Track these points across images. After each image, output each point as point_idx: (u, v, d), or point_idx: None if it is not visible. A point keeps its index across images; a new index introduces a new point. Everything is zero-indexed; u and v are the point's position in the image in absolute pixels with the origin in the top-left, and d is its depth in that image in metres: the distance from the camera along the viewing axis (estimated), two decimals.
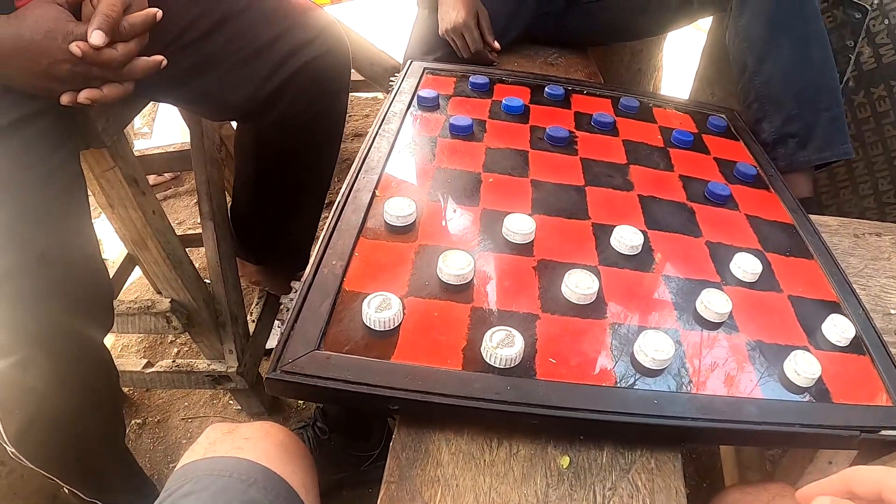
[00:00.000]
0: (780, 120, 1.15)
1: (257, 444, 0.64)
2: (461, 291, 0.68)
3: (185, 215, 2.18)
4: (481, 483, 0.58)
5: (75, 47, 0.76)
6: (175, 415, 1.58)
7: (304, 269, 0.72)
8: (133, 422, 1.53)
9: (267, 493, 0.60)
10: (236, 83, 1.05)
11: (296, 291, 0.66)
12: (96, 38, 0.77)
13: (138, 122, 2.55)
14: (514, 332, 0.61)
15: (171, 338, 1.77)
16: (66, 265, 0.84)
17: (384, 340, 0.62)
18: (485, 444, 0.60)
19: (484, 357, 0.60)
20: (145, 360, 1.39)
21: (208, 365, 1.36)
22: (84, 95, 0.81)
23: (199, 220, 2.03)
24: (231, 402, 1.57)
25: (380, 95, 2.61)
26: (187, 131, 1.32)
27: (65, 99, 0.81)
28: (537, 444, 0.61)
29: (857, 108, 1.37)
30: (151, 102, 2.53)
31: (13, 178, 0.81)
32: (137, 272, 1.54)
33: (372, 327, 0.62)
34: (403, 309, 0.64)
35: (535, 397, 0.58)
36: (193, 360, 1.38)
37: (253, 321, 1.49)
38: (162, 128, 2.48)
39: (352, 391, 0.57)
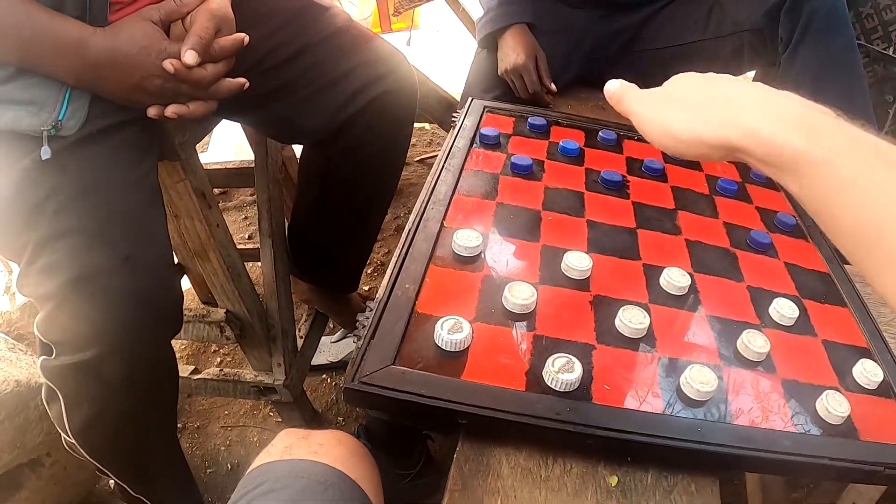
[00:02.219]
0: None
1: (331, 450, 0.70)
2: (524, 319, 0.74)
3: (234, 230, 2.25)
4: (537, 496, 0.63)
5: (169, 64, 0.82)
6: (215, 422, 1.62)
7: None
8: None
9: (343, 495, 0.65)
10: (310, 111, 1.11)
11: (371, 310, 0.73)
12: (190, 57, 0.82)
13: None
14: (574, 359, 0.67)
15: (214, 347, 1.82)
16: (147, 269, 0.89)
17: (454, 360, 0.68)
18: (541, 461, 0.66)
19: (545, 380, 0.66)
20: (192, 367, 1.44)
21: (255, 376, 1.41)
22: (171, 110, 0.87)
23: (246, 235, 2.12)
24: (271, 413, 1.62)
25: (427, 126, 2.70)
26: (242, 148, 1.37)
27: (152, 112, 0.87)
28: (589, 463, 0.66)
29: None
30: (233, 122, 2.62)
31: (102, 181, 0.86)
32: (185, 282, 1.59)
33: (444, 348, 0.68)
34: (472, 332, 0.70)
35: (590, 419, 0.63)
36: (240, 370, 1.43)
37: (301, 337, 1.55)
38: (219, 143, 2.57)
39: (424, 404, 0.63)
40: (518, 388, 0.66)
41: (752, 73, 1.60)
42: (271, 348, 1.41)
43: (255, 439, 1.59)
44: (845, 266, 0.97)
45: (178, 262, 1.54)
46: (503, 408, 0.63)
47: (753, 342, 0.75)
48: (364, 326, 0.71)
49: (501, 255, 0.84)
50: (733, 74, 1.47)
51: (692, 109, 0.47)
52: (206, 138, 2.62)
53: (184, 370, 1.43)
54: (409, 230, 0.85)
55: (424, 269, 0.78)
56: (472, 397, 0.64)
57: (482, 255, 0.82)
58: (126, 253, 0.86)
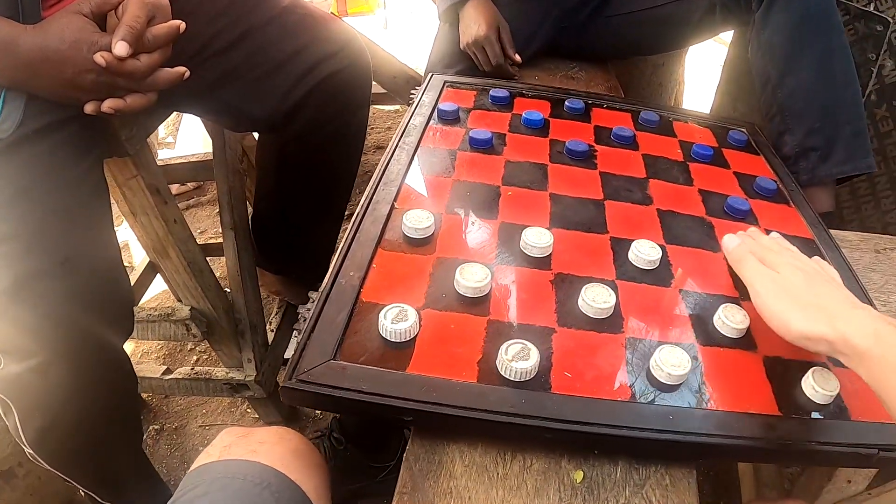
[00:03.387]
0: (802, 133, 1.14)
1: (271, 449, 0.65)
2: (478, 304, 0.68)
3: (207, 224, 2.20)
4: (494, 496, 0.57)
5: (100, 57, 0.78)
6: (193, 422, 1.59)
7: (324, 279, 0.73)
8: (151, 428, 1.55)
9: (280, 497, 0.60)
10: (258, 96, 1.06)
11: (314, 302, 0.67)
12: (120, 48, 0.78)
13: (162, 131, 2.59)
14: (530, 345, 0.61)
15: (190, 346, 1.78)
16: (89, 270, 0.86)
17: (400, 352, 0.62)
18: (498, 457, 0.60)
19: (499, 370, 0.60)
20: (164, 367, 1.40)
21: (227, 373, 1.37)
22: (108, 105, 0.83)
23: (221, 230, 2.05)
24: (249, 410, 1.58)
25: (402, 108, 2.63)
26: (210, 142, 1.33)
27: (89, 108, 0.83)
28: (551, 458, 0.61)
29: (879, 121, 1.35)
30: (175, 113, 2.58)
31: (39, 183, 0.82)
32: (160, 281, 1.56)
33: (388, 338, 0.63)
34: (420, 321, 0.64)
35: (549, 411, 0.58)
36: (212, 368, 1.40)
37: (272, 331, 1.50)
38: (186, 138, 2.51)
39: (366, 401, 0.58)
40: (469, 379, 0.60)
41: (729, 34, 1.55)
42: (240, 343, 1.37)
43: None
44: (831, 231, 0.92)
45: (151, 262, 1.50)
46: (452, 402, 0.57)
47: (732, 317, 0.69)
48: (306, 320, 0.65)
49: (455, 235, 0.78)
50: (706, 36, 1.40)
51: (803, 309, 0.61)
52: (174, 134, 2.57)
53: (156, 371, 1.40)
54: (358, 213, 0.79)
55: (371, 255, 0.73)
56: (418, 392, 0.58)
57: (434, 237, 0.77)
58: (64, 255, 0.83)
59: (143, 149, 1.05)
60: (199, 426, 1.58)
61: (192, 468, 0.66)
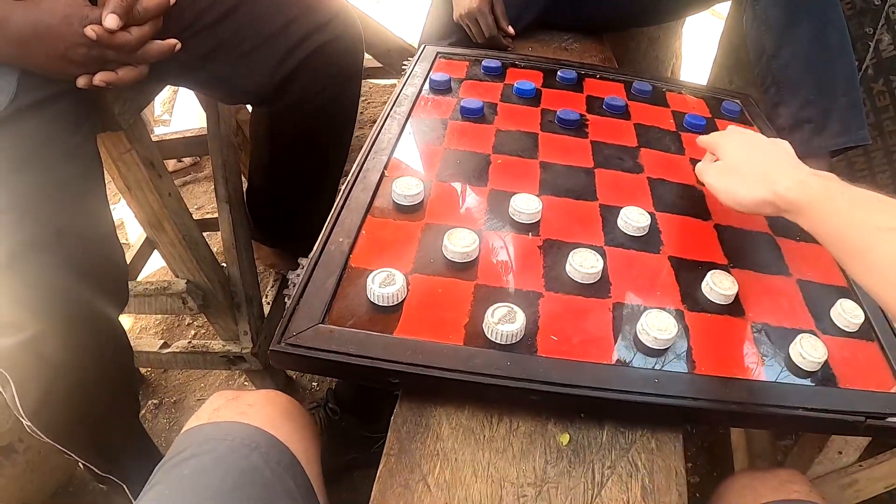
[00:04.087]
0: (797, 105, 1.13)
1: (260, 411, 0.65)
2: (466, 269, 0.68)
3: (204, 200, 2.20)
4: (480, 458, 0.58)
5: (90, 31, 0.78)
6: (191, 395, 1.60)
7: None
8: (150, 402, 1.56)
9: (268, 458, 0.61)
10: (249, 68, 1.06)
11: (303, 267, 0.67)
12: (110, 21, 0.78)
13: (158, 109, 2.58)
14: (516, 308, 0.62)
15: (188, 320, 1.79)
16: (83, 242, 0.86)
17: (387, 316, 0.62)
18: (485, 420, 0.61)
19: (485, 333, 0.61)
20: (162, 341, 1.40)
21: (223, 346, 1.38)
22: (99, 78, 0.83)
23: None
24: (246, 383, 1.59)
25: (397, 82, 2.61)
26: (204, 117, 1.33)
27: (81, 82, 0.83)
28: (538, 420, 0.61)
29: (875, 96, 1.35)
30: (170, 89, 2.57)
31: (33, 156, 0.82)
32: (157, 258, 1.56)
33: (376, 302, 0.63)
34: (407, 285, 0.65)
35: (535, 373, 0.58)
36: (209, 342, 1.40)
37: (268, 303, 1.51)
38: (181, 115, 2.50)
39: (354, 364, 0.58)
40: (456, 342, 0.60)
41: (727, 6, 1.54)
42: (236, 316, 1.37)
43: None
44: None
45: (147, 238, 1.50)
46: (438, 364, 0.58)
47: (720, 284, 0.70)
48: (295, 285, 0.66)
49: (444, 202, 0.78)
50: (702, 7, 1.39)
51: (745, 181, 0.68)
52: (169, 111, 2.57)
53: (153, 345, 1.40)
54: (348, 182, 0.79)
55: (361, 221, 0.73)
56: (405, 354, 0.58)
57: (423, 204, 0.77)
58: (58, 227, 0.83)
59: (137, 123, 1.05)
60: (198, 400, 1.59)
61: (183, 430, 0.67)
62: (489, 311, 0.61)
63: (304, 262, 0.68)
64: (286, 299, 0.65)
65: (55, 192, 0.84)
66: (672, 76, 2.00)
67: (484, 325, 0.61)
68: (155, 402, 1.56)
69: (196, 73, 1.06)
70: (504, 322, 0.60)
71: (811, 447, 1.02)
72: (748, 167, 0.69)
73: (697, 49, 2.51)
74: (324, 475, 0.69)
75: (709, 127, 1.04)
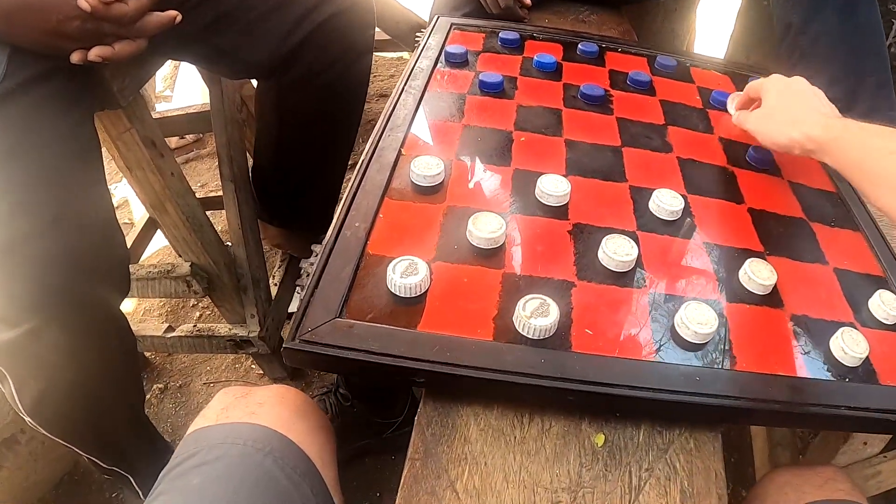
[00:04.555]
0: (824, 82, 1.07)
1: (272, 410, 0.62)
2: (492, 256, 0.64)
3: (207, 178, 2.15)
4: (511, 461, 0.54)
5: (84, 2, 0.74)
6: (197, 379, 1.57)
7: (327, 231, 0.69)
8: (155, 386, 1.53)
9: (283, 464, 0.57)
10: (254, 40, 1.02)
11: (317, 255, 0.63)
12: None
13: (160, 85, 2.52)
14: (549, 300, 0.57)
15: (193, 301, 1.75)
16: (80, 229, 0.82)
17: (410, 308, 0.58)
18: (515, 420, 0.57)
19: (516, 327, 0.57)
20: (166, 325, 1.37)
21: (230, 329, 1.34)
22: (95, 53, 0.79)
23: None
24: (253, 366, 1.56)
25: (406, 55, 2.55)
26: (207, 93, 1.28)
27: (75, 57, 0.79)
28: (571, 420, 0.57)
29: None
30: (172, 65, 2.51)
31: (24, 141, 0.78)
32: (162, 237, 1.52)
33: (397, 294, 0.59)
34: (431, 274, 0.60)
35: (570, 371, 0.54)
36: (215, 325, 1.36)
37: (275, 285, 1.47)
38: (183, 91, 2.45)
39: (375, 362, 0.54)
40: (485, 337, 0.56)
41: None
42: (243, 299, 1.34)
43: None
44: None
45: (150, 217, 1.46)
46: (466, 362, 0.54)
47: (758, 273, 0.65)
48: (309, 275, 0.61)
49: (466, 183, 0.73)
50: None
51: (780, 126, 0.76)
52: (171, 87, 2.51)
53: (158, 329, 1.37)
54: (362, 161, 0.75)
55: (378, 204, 0.68)
56: (430, 352, 0.54)
57: (444, 185, 0.72)
58: (54, 214, 0.79)
59: (137, 100, 1.00)
60: (204, 383, 1.56)
61: (189, 431, 0.63)
62: (520, 303, 0.57)
63: (317, 248, 0.64)
64: (298, 290, 0.61)
65: (49, 178, 0.80)
66: (688, 50, 1.95)
67: (514, 318, 0.57)
68: (160, 386, 1.53)
69: (199, 46, 1.01)
70: (537, 315, 0.56)
71: (835, 437, 0.98)
72: (782, 113, 0.77)
73: (712, 26, 2.44)
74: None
75: None
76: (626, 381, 0.55)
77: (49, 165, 0.80)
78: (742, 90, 1.04)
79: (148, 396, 1.50)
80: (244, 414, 0.61)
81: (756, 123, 0.80)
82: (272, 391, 0.66)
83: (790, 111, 0.76)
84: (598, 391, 0.54)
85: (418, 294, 0.59)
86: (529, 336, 0.56)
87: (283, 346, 0.56)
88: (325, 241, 0.64)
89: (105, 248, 0.87)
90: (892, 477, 1.00)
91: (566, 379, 0.54)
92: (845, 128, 0.69)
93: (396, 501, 0.52)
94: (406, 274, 0.58)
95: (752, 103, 0.87)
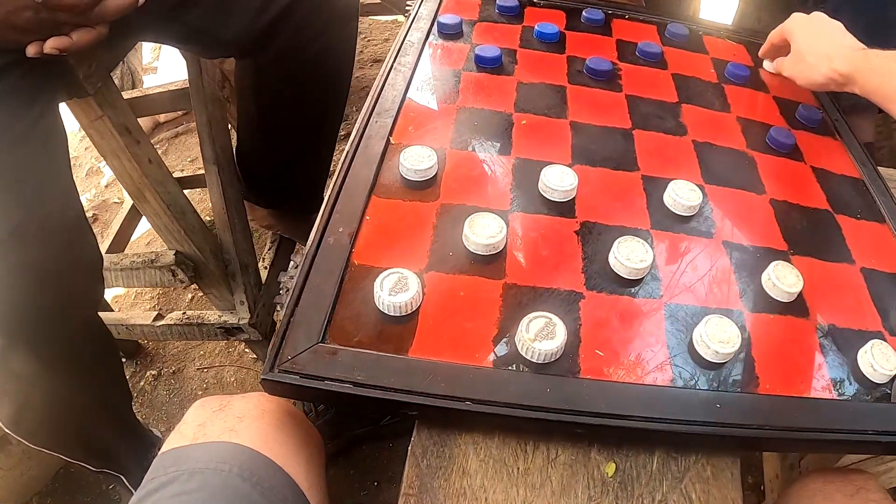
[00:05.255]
0: None
1: (252, 425, 0.57)
2: (491, 263, 0.58)
3: (198, 152, 2.06)
4: (514, 496, 0.50)
5: None
6: (190, 364, 1.53)
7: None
8: (148, 373, 1.49)
9: (271, 496, 0.52)
10: (226, 16, 0.94)
11: (297, 267, 0.57)
12: None
13: (148, 56, 2.43)
14: (556, 319, 0.51)
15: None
16: (44, 237, 0.76)
17: (400, 328, 0.52)
18: (518, 449, 0.52)
19: (519, 350, 0.51)
20: (155, 313, 1.31)
21: (219, 317, 1.29)
22: (50, 44, 0.72)
23: None
24: (247, 350, 1.52)
25: (401, 18, 2.45)
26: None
27: (30, 50, 0.72)
28: (579, 448, 0.52)
29: None
30: (147, 42, 2.41)
31: None
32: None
33: (386, 312, 0.53)
34: (423, 288, 0.54)
35: (579, 402, 0.49)
36: (205, 312, 1.31)
37: (265, 268, 1.41)
38: (170, 61, 2.36)
39: (362, 395, 0.48)
40: (483, 364, 0.50)
41: None
42: (231, 285, 1.28)
43: (232, 379, 1.50)
44: (879, 169, 0.81)
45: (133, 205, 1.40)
46: (464, 394, 0.48)
47: (784, 279, 0.59)
48: (288, 290, 0.55)
49: (462, 176, 0.67)
50: None
51: (812, 66, 0.80)
52: (157, 58, 2.42)
53: (146, 317, 1.31)
54: (346, 154, 0.68)
55: (364, 205, 0.62)
56: (423, 382, 0.49)
57: (437, 178, 0.66)
58: (13, 224, 0.73)
59: (107, 86, 0.93)
60: (198, 369, 1.52)
61: (164, 448, 0.57)
62: (523, 323, 0.51)
63: (297, 259, 0.58)
64: (278, 308, 0.55)
65: (8, 182, 0.73)
66: (694, 10, 1.85)
67: (517, 340, 0.51)
68: (153, 373, 1.49)
69: (168, 26, 0.94)
70: (542, 338, 0.50)
71: None
72: (812, 55, 0.81)
73: None
74: (330, 453, 0.60)
75: (753, 77, 0.92)
76: (639, 411, 0.49)
77: (7, 168, 0.73)
78: (759, 61, 0.98)
79: (141, 384, 1.47)
80: (223, 431, 0.56)
81: (791, 68, 0.84)
82: (251, 402, 0.60)
83: (818, 49, 0.81)
84: (609, 424, 0.48)
85: (409, 312, 0.53)
86: (533, 360, 0.50)
87: (262, 377, 0.50)
88: (305, 251, 0.58)
89: (73, 254, 0.81)
90: None
91: (574, 412, 0.48)
92: (866, 58, 0.75)
93: None
94: (395, 290, 0.52)
95: (778, 50, 0.90)
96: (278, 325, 0.53)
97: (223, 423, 0.57)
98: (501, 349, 0.51)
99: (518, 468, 0.51)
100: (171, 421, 1.40)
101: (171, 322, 1.30)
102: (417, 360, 0.50)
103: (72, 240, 0.80)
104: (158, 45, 2.43)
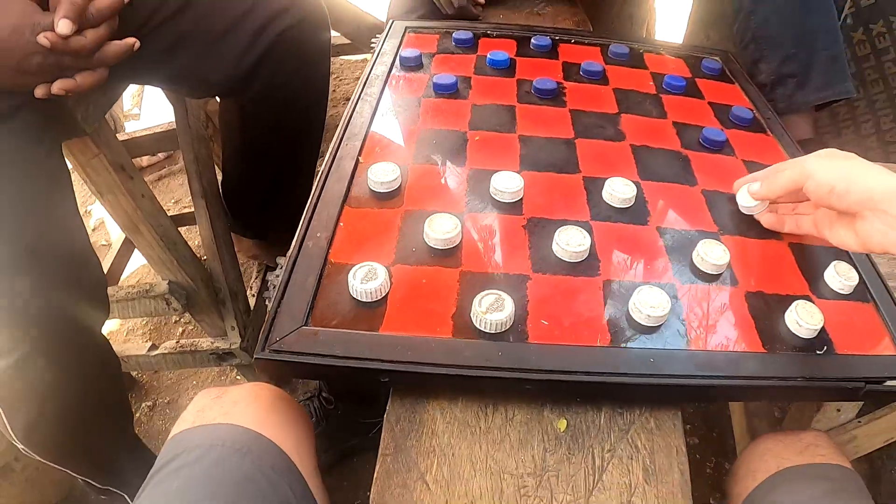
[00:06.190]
0: (778, 60, 1.11)
1: (247, 408, 0.64)
2: (449, 256, 0.66)
3: (180, 193, 2.16)
4: (477, 451, 0.57)
5: (43, 38, 0.74)
6: (184, 395, 1.58)
7: None
8: (143, 405, 1.54)
9: (262, 463, 0.59)
10: (212, 59, 1.03)
11: (282, 268, 0.65)
12: (63, 27, 0.74)
13: (128, 103, 2.52)
14: (504, 295, 0.59)
15: (175, 318, 1.76)
16: (56, 258, 0.83)
17: (372, 311, 0.60)
18: (479, 412, 0.59)
19: (474, 323, 0.59)
20: (150, 343, 1.38)
21: (212, 343, 1.36)
22: (57, 86, 0.79)
23: None
24: (239, 377, 1.57)
25: (369, 57, 2.56)
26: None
27: (39, 92, 0.79)
28: (533, 408, 0.60)
29: (856, 45, 1.32)
30: (138, 85, 2.50)
31: None
32: (140, 255, 1.53)
33: (359, 299, 0.61)
34: (390, 278, 0.63)
35: (527, 362, 0.56)
36: (197, 340, 1.38)
37: (253, 296, 1.48)
38: (151, 108, 2.45)
39: (341, 366, 0.56)
40: (444, 335, 0.58)
41: None
42: (222, 312, 1.35)
43: None
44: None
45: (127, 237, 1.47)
46: (427, 360, 0.56)
47: (711, 253, 0.68)
48: (274, 287, 0.63)
49: (423, 186, 0.75)
50: None
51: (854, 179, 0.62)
52: (139, 105, 2.51)
53: (141, 348, 1.38)
54: (322, 172, 0.76)
55: (338, 214, 0.70)
56: (393, 352, 0.56)
57: (401, 190, 0.74)
58: (30, 244, 0.80)
59: (102, 126, 1.02)
60: (191, 398, 1.56)
61: (170, 435, 0.64)
62: (476, 299, 0.59)
63: (282, 261, 0.66)
64: (266, 302, 0.63)
65: (22, 209, 0.81)
66: (647, 34, 1.97)
67: (471, 314, 0.59)
68: (148, 404, 1.54)
69: (160, 69, 1.03)
70: (492, 311, 0.58)
71: (809, 406, 1.01)
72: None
73: (672, 5, 2.47)
74: (324, 464, 0.67)
75: (689, 87, 1.01)
76: (583, 367, 0.57)
77: (21, 197, 0.81)
78: (697, 73, 1.06)
79: (137, 415, 1.51)
80: (220, 414, 0.63)
81: (883, 238, 0.60)
82: (246, 389, 0.67)
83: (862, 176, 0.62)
84: (556, 378, 0.56)
85: (379, 298, 0.61)
86: (486, 330, 0.58)
87: (255, 356, 0.58)
88: (288, 254, 0.66)
89: (81, 274, 0.88)
90: (867, 441, 1.03)
91: (523, 369, 0.56)
92: None
93: (371, 496, 0.55)
94: (366, 279, 0.60)
95: (795, 196, 0.69)
96: (267, 315, 0.60)
97: (220, 408, 0.64)
98: (459, 322, 0.59)
99: (480, 427, 0.58)
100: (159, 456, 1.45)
101: (166, 351, 1.36)
102: (387, 335, 0.58)
103: (80, 261, 0.88)
104: (139, 93, 2.52)
